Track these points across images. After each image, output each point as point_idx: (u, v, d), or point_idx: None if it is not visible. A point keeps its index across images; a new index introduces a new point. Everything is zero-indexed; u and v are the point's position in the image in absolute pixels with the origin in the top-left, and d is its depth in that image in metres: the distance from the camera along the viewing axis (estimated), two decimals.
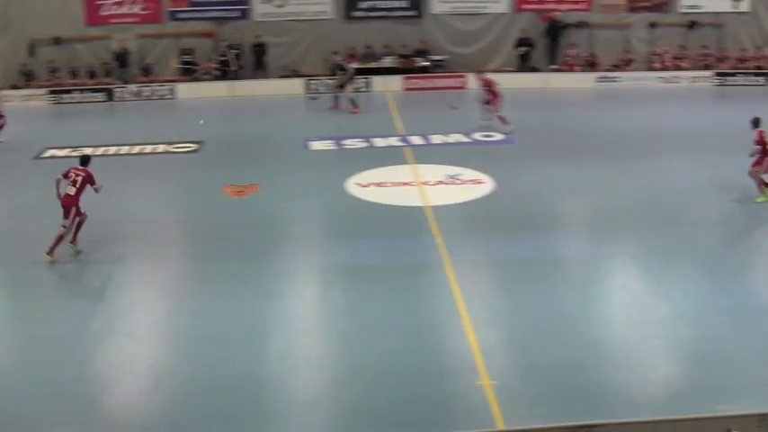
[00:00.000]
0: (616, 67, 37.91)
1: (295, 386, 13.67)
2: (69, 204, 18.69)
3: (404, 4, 37.00)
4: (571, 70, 37.41)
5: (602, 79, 36.92)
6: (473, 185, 23.09)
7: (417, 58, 36.84)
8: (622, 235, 20.26)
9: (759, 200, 21.98)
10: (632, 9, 38.31)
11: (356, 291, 16.94)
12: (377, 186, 23.02)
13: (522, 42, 37.13)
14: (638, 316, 16.09)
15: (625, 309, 16.45)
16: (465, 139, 27.81)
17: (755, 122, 22.56)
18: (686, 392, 13.55)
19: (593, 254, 19.13)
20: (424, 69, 36.59)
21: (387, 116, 31.36)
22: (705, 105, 34.85)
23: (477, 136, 28.21)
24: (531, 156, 25.92)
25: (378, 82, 35.96)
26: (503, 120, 28.68)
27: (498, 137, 27.86)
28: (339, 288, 17.28)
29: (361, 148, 27.04)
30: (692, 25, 38.58)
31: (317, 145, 27.21)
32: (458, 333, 15.07)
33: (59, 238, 18.63)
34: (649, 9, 38.39)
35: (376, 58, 36.98)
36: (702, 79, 37.64)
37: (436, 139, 27.78)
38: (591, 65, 37.79)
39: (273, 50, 36.87)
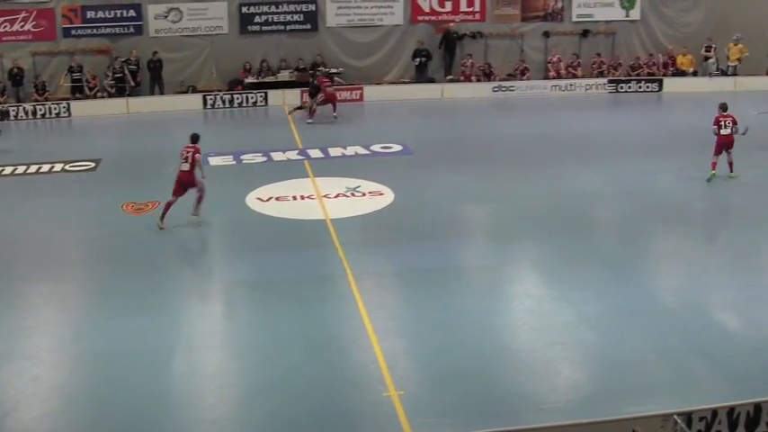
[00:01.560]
0: (511, 77, 38.38)
1: (202, 404, 13.44)
2: (186, 179, 20.95)
3: (299, 18, 36.95)
4: (467, 80, 37.75)
5: (498, 89, 37.31)
6: (373, 197, 23.10)
7: (314, 72, 36.80)
8: (523, 242, 20.46)
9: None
10: (526, 19, 38.91)
11: (260, 305, 16.77)
12: (277, 200, 22.89)
13: (418, 54, 37.34)
14: (541, 322, 16.21)
15: (528, 315, 16.56)
16: (363, 152, 27.85)
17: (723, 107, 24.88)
18: (592, 396, 13.66)
19: (496, 261, 19.27)
20: None
21: (285, 130, 31.23)
22: (600, 112, 35.46)
23: (376, 148, 28.25)
24: (430, 166, 26.06)
25: (275, 96, 35.78)
26: (312, 112, 30.50)
27: (396, 148, 27.92)
28: (243, 303, 17.12)
29: (260, 163, 26.88)
30: (584, 34, 39.36)
31: (215, 160, 26.94)
32: (363, 345, 15.01)
33: (167, 207, 21.06)
34: (542, 18, 39.06)
35: (273, 72, 36.82)
36: (597, 86, 38.39)
37: (335, 151, 27.74)
38: (487, 75, 38.17)
39: (169, 66, 36.47)
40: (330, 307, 16.60)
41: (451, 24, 37.93)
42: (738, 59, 39.46)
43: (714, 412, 12.24)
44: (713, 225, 22.94)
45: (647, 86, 38.71)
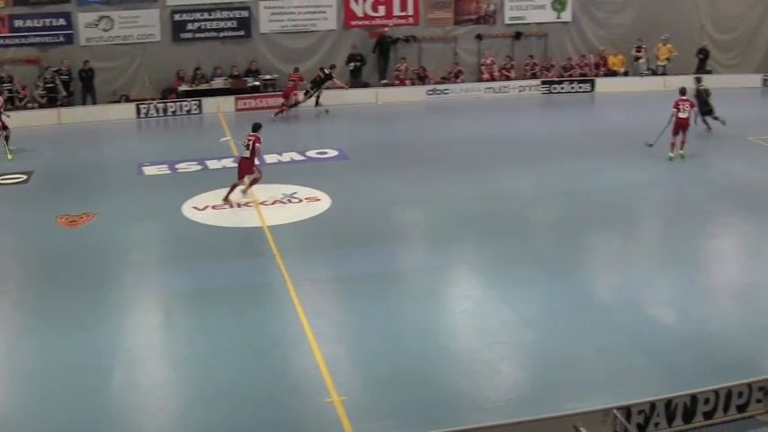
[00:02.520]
0: (446, 80, 38.55)
1: (142, 417, 13.32)
2: (246, 166, 22.92)
3: (233, 25, 36.78)
4: (402, 84, 37.87)
5: (432, 92, 37.48)
6: (310, 203, 23.07)
7: (248, 78, 36.66)
8: (461, 243, 20.60)
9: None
10: (459, 22, 39.14)
11: (199, 315, 16.64)
12: (214, 209, 22.75)
13: (352, 58, 37.38)
14: (480, 322, 16.34)
15: (467, 316, 16.67)
16: (299, 157, 27.81)
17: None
18: (533, 394, 13.80)
19: (434, 264, 19.35)
20: (255, 89, 36.41)
21: (220, 137, 31.05)
22: (534, 113, 35.80)
23: (312, 153, 28.23)
24: (367, 170, 26.10)
25: (209, 104, 35.56)
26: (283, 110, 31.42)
27: (332, 153, 27.94)
28: (182, 313, 16.96)
29: (195, 171, 26.68)
30: (517, 36, 39.69)
31: (150, 170, 26.74)
32: (304, 351, 14.99)
33: (233, 188, 23.05)
34: (475, 21, 39.31)
35: (207, 79, 36.62)
36: (530, 88, 38.74)
37: (270, 158, 27.57)
38: (421, 78, 38.32)
39: (101, 75, 36.05)
40: (269, 314, 16.55)
41: (385, 29, 37.99)
42: (668, 59, 40.08)
43: (652, 405, 12.46)
44: (647, 222, 23.26)
45: (580, 87, 39.17)
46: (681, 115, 26.90)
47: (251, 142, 22.92)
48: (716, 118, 30.03)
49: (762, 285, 18.34)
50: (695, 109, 27.37)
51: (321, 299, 17.51)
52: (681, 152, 27.15)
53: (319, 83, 35.00)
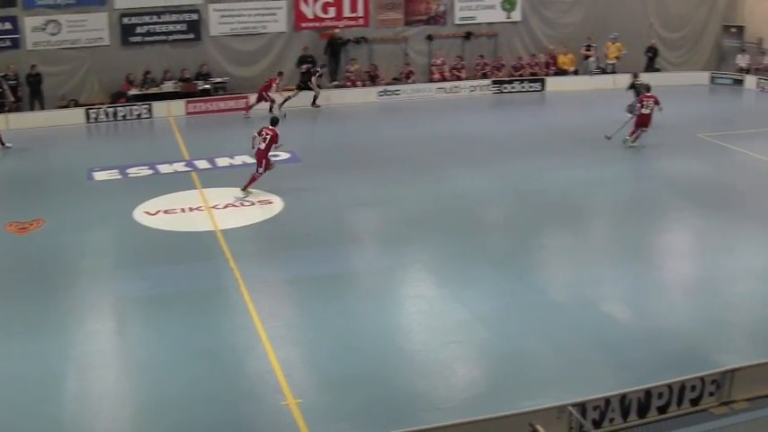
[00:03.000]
0: (397, 81, 38.55)
1: (96, 425, 13.20)
2: (261, 156, 23.76)
3: (182, 28, 36.47)
4: (353, 86, 37.82)
5: (384, 93, 37.46)
6: (262, 206, 22.98)
7: (198, 82, 36.43)
8: (414, 244, 20.61)
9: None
10: (409, 22, 39.12)
11: (153, 320, 16.51)
12: (166, 213, 22.57)
13: (303, 60, 37.23)
14: (435, 322, 16.38)
15: (422, 316, 16.69)
16: (251, 160, 27.48)
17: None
18: (488, 392, 13.86)
19: (387, 264, 19.36)
20: (205, 92, 36.20)
21: (171, 142, 30.85)
22: (485, 113, 35.89)
23: None
24: (319, 172, 26.02)
25: (159, 108, 35.27)
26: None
27: (284, 156, 27.82)
28: (135, 319, 16.81)
29: (146, 176, 26.41)
30: (467, 36, 39.76)
31: (101, 175, 26.45)
32: (258, 355, 14.93)
33: (252, 179, 23.85)
34: (426, 22, 39.32)
35: (156, 83, 36.34)
36: (481, 88, 38.84)
37: (222, 161, 27.46)
38: (372, 79, 38.31)
39: (50, 80, 35.56)
40: (223, 318, 16.45)
41: (336, 30, 37.92)
42: (617, 57, 40.38)
43: (607, 401, 12.56)
44: (599, 219, 23.42)
45: (530, 86, 39.34)
46: (644, 111, 28.23)
47: (268, 136, 23.72)
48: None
49: (713, 280, 18.58)
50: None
51: (275, 302, 17.46)
52: (629, 138, 28.44)
53: (306, 78, 35.66)
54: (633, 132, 28.48)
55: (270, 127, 24.03)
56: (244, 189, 23.79)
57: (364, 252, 20.32)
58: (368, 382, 14.07)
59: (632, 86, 31.44)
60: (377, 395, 13.68)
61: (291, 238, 20.90)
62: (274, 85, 34.59)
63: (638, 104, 28.51)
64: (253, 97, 35.00)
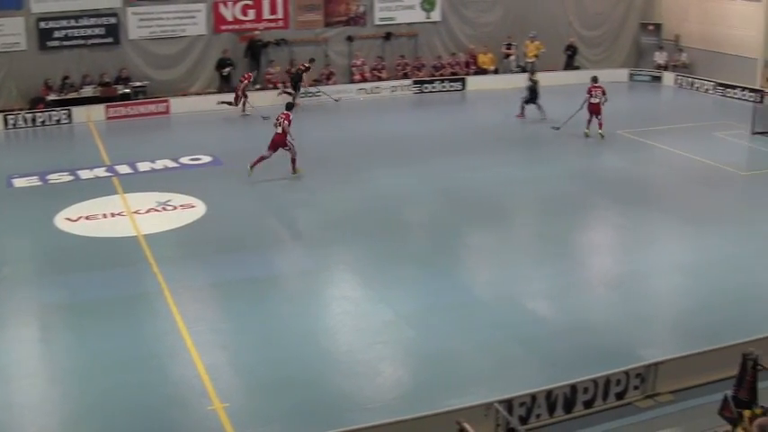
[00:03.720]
0: (317, 82, 38.45)
1: None
2: (279, 140, 25.22)
3: (101, 32, 35.90)
4: (274, 87, 37.60)
5: (304, 95, 37.27)
6: (185, 210, 22.76)
7: (118, 86, 35.95)
8: (338, 245, 20.59)
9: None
10: (329, 24, 39.02)
11: (76, 328, 16.26)
12: (87, 219, 22.23)
13: (223, 63, 37.00)
14: (360, 323, 16.40)
15: (347, 317, 16.71)
16: (173, 164, 27.36)
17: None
18: (415, 392, 13.91)
19: (311, 266, 19.33)
20: (125, 97, 35.74)
21: (91, 147, 30.38)
22: (406, 113, 35.93)
23: (185, 160, 27.77)
24: (241, 175, 25.77)
25: (79, 113, 34.72)
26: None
27: (206, 159, 27.61)
28: (57, 327, 16.53)
29: (67, 182, 25.96)
30: (387, 36, 39.80)
31: (20, 182, 25.94)
32: (184, 360, 14.80)
33: (260, 159, 25.23)
34: (346, 23, 39.25)
35: (76, 88, 35.79)
36: (402, 88, 38.89)
37: (143, 166, 27.11)
38: (328, 77, 38.20)
39: None
40: (147, 324, 16.28)
41: (256, 32, 37.72)
42: (536, 56, 40.77)
43: (533, 397, 12.67)
44: (522, 217, 23.65)
45: (451, 86, 39.50)
46: (592, 101, 29.73)
47: (282, 120, 25.25)
48: (539, 107, 32.44)
49: (635, 274, 18.84)
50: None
51: (199, 306, 17.31)
52: (600, 132, 29.93)
53: (297, 78, 35.76)
54: (589, 121, 30.09)
55: (285, 112, 25.68)
56: (251, 167, 25.19)
57: (288, 254, 20.28)
58: (294, 385, 14.03)
59: (530, 83, 32.30)
60: (304, 397, 13.65)
61: (215, 241, 20.73)
62: (246, 82, 34.69)
63: (587, 95, 29.90)
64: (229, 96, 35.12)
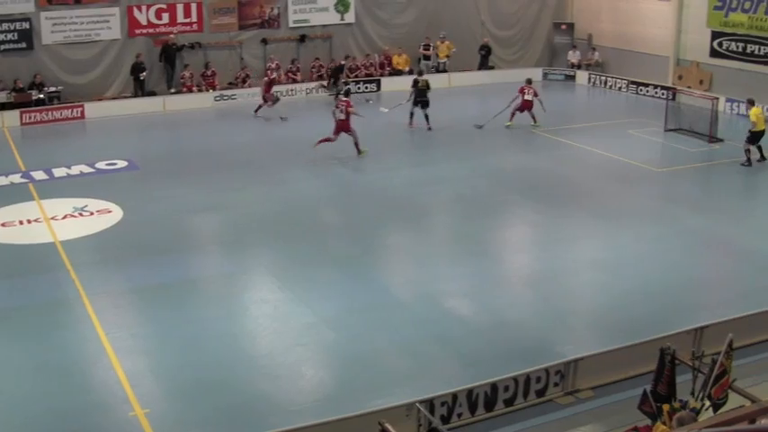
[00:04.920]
0: (233, 85, 38.26)
1: None
2: (343, 126, 27.86)
3: (13, 37, 35.29)
4: (189, 91, 37.33)
5: (220, 98, 37.07)
6: (102, 215, 22.48)
7: (32, 92, 35.36)
8: (256, 248, 20.56)
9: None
10: (243, 27, 38.84)
11: None
12: (2, 226, 21.83)
13: (138, 67, 36.61)
14: (281, 325, 16.37)
15: (267, 320, 16.66)
16: (89, 170, 26.98)
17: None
18: (338, 393, 13.93)
19: (230, 270, 19.23)
20: (40, 102, 35.17)
21: (6, 153, 29.80)
22: (322, 114, 35.67)
23: (101, 165, 27.41)
24: (157, 179, 25.64)
25: None
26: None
27: (122, 164, 27.30)
28: None
29: None
30: (302, 39, 39.74)
31: None
32: (104, 366, 14.64)
33: (325, 140, 27.85)
34: (260, 26, 39.12)
35: None
36: (317, 90, 38.81)
37: (59, 172, 26.72)
38: (208, 84, 37.88)
39: None
40: (66, 331, 16.04)
41: (170, 36, 37.40)
42: (447, 56, 41.20)
43: (454, 396, 12.74)
44: (439, 217, 23.77)
45: (366, 87, 39.57)
46: (527, 98, 31.85)
47: (344, 106, 27.76)
48: (426, 115, 32.04)
49: (553, 272, 19.07)
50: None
51: (118, 312, 17.11)
52: (536, 124, 32.14)
53: (338, 71, 37.67)
54: (513, 115, 32.05)
55: (344, 99, 28.22)
56: (315, 145, 27.65)
57: (206, 258, 20.13)
58: (216, 389, 13.97)
59: (416, 85, 32.20)
60: (226, 401, 13.59)
61: (133, 246, 20.50)
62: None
63: (519, 93, 31.85)
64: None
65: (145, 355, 15.29)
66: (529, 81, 32.76)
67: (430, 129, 31.69)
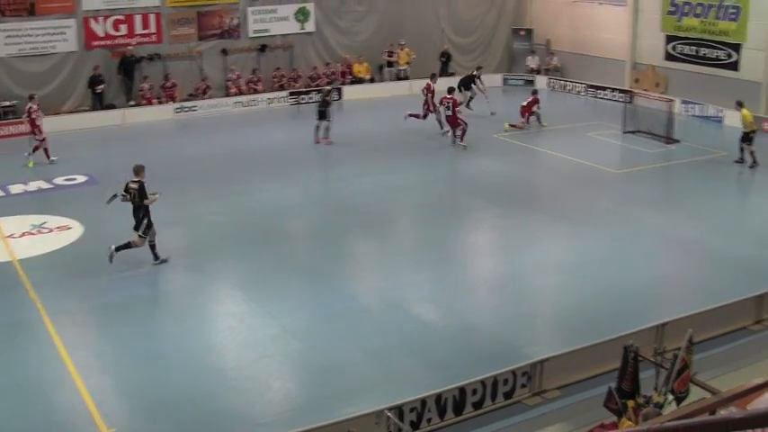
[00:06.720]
0: (193, 96, 38.01)
1: None
2: (452, 121, 30.40)
3: None
4: (149, 103, 37.08)
5: (180, 109, 36.83)
6: (62, 232, 22.19)
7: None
8: (220, 260, 20.35)
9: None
10: (203, 37, 38.60)
11: None
12: None
13: (96, 80, 36.28)
14: (246, 338, 16.25)
15: (233, 333, 16.54)
16: (47, 186, 26.67)
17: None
18: (306, 404, 13.85)
19: (193, 283, 19.06)
20: None
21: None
22: (284, 124, 35.74)
23: (59, 180, 27.09)
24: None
25: None
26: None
27: (81, 179, 27.01)
28: None
29: None
30: (262, 49, 39.58)
31: None
32: (67, 386, 14.44)
33: (463, 133, 30.15)
34: (220, 36, 38.88)
35: None
36: (278, 100, 38.70)
37: (16, 188, 26.29)
38: (168, 96, 37.63)
39: None
40: (28, 352, 15.80)
41: (129, 48, 37.12)
42: (407, 63, 41.21)
43: (423, 402, 12.72)
44: (403, 224, 23.78)
45: (336, 95, 39.43)
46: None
47: (450, 103, 30.23)
48: (327, 127, 31.28)
49: (517, 275, 19.14)
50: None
51: (81, 330, 16.94)
52: (508, 125, 32.74)
53: (467, 83, 36.49)
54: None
55: (448, 96, 30.52)
56: (459, 142, 30.07)
57: (169, 272, 19.87)
58: (183, 405, 13.84)
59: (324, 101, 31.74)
60: (193, 417, 13.47)
61: (94, 263, 20.13)
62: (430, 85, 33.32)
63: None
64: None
65: (109, 374, 15.10)
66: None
67: (318, 143, 31.15)
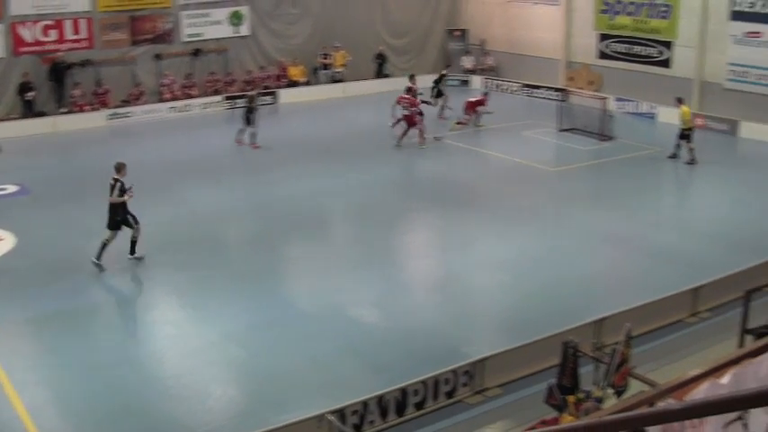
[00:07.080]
0: (126, 103, 37.55)
1: None
2: (409, 119, 30.56)
3: None
4: (81, 110, 36.52)
5: (113, 116, 36.34)
6: None
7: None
8: (157, 268, 20.01)
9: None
10: (136, 42, 38.14)
11: None
12: None
13: (25, 87, 35.67)
14: (185, 346, 16.06)
15: (171, 341, 16.32)
16: None
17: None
18: (248, 410, 13.74)
19: (130, 292, 18.95)
20: None
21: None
22: (219, 129, 35.41)
23: None
24: (51, 204, 24.88)
25: None
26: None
27: (12, 189, 26.51)
28: None
29: None
30: (196, 53, 39.26)
31: None
32: (2, 402, 14.07)
33: (422, 133, 30.28)
34: (152, 41, 38.46)
35: None
36: (213, 104, 38.45)
37: None
38: (101, 102, 37.13)
39: None
40: None
41: (59, 54, 36.58)
42: (343, 65, 41.19)
43: (365, 404, 12.67)
44: (341, 227, 23.77)
45: (263, 99, 39.21)
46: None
47: (407, 103, 30.63)
48: (253, 133, 31.02)
49: (456, 275, 19.20)
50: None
51: (16, 343, 16.56)
52: (455, 124, 33.11)
53: (438, 83, 36.62)
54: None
55: (405, 96, 30.85)
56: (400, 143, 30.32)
57: (105, 282, 19.54)
58: (123, 416, 13.62)
59: (249, 106, 31.53)
60: (134, 428, 13.30)
61: (27, 274, 19.77)
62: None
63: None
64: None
65: (46, 387, 14.78)
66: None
67: (238, 143, 31.31)
